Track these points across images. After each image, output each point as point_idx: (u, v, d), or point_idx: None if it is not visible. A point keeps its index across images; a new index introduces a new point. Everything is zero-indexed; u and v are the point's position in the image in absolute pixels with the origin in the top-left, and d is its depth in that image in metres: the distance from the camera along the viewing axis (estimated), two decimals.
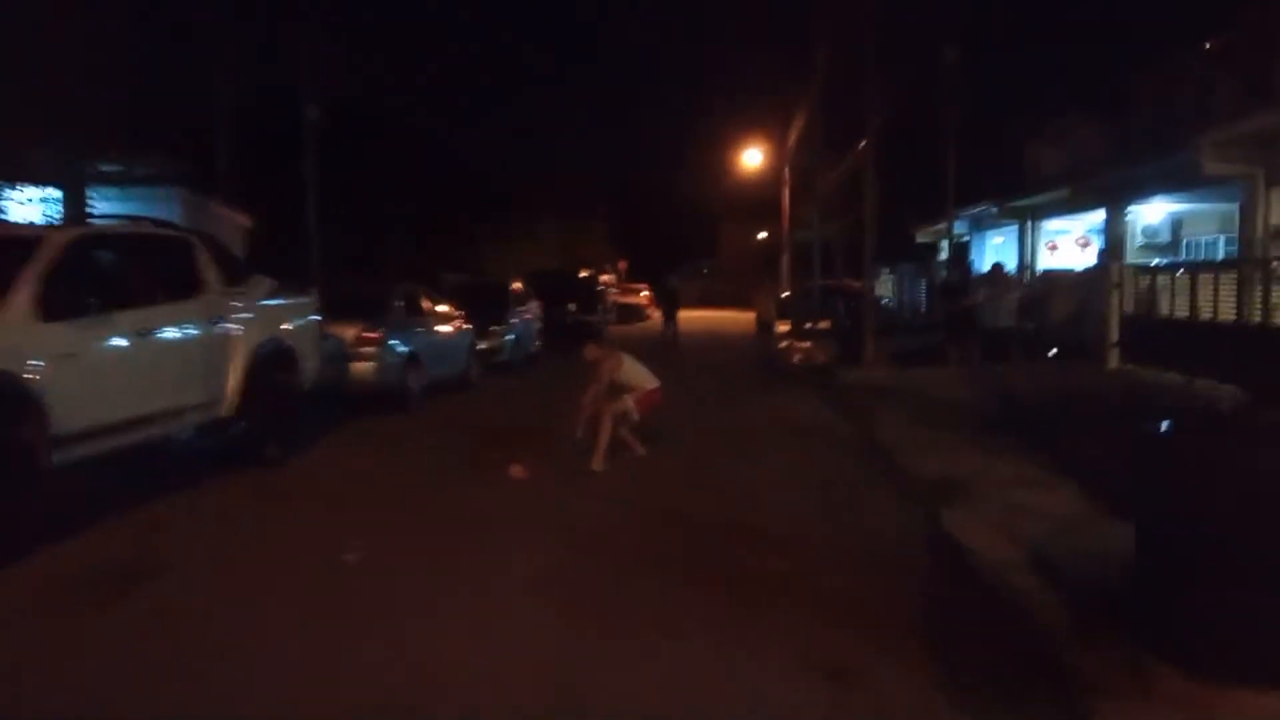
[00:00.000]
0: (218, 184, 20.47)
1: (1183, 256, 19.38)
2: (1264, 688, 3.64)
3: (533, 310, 19.61)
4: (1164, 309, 14.17)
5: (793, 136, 29.12)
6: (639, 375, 9.43)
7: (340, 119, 20.68)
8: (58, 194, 14.83)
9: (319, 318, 9.85)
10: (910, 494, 7.70)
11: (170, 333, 7.15)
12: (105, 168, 16.33)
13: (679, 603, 5.07)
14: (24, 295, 5.84)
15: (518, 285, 19.83)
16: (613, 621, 4.80)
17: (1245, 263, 12.81)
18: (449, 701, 3.91)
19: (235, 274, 8.38)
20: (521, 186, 32.01)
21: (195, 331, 7.50)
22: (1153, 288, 14.73)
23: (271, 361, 8.33)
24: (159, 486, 7.25)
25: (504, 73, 30.25)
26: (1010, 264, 23.52)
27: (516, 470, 8.23)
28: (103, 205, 14.93)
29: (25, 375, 5.64)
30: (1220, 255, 18.17)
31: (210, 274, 7.87)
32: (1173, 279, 14.10)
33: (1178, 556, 3.94)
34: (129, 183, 16.90)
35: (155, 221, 8.21)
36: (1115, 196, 18.93)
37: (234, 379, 7.85)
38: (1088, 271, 18.51)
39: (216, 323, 7.76)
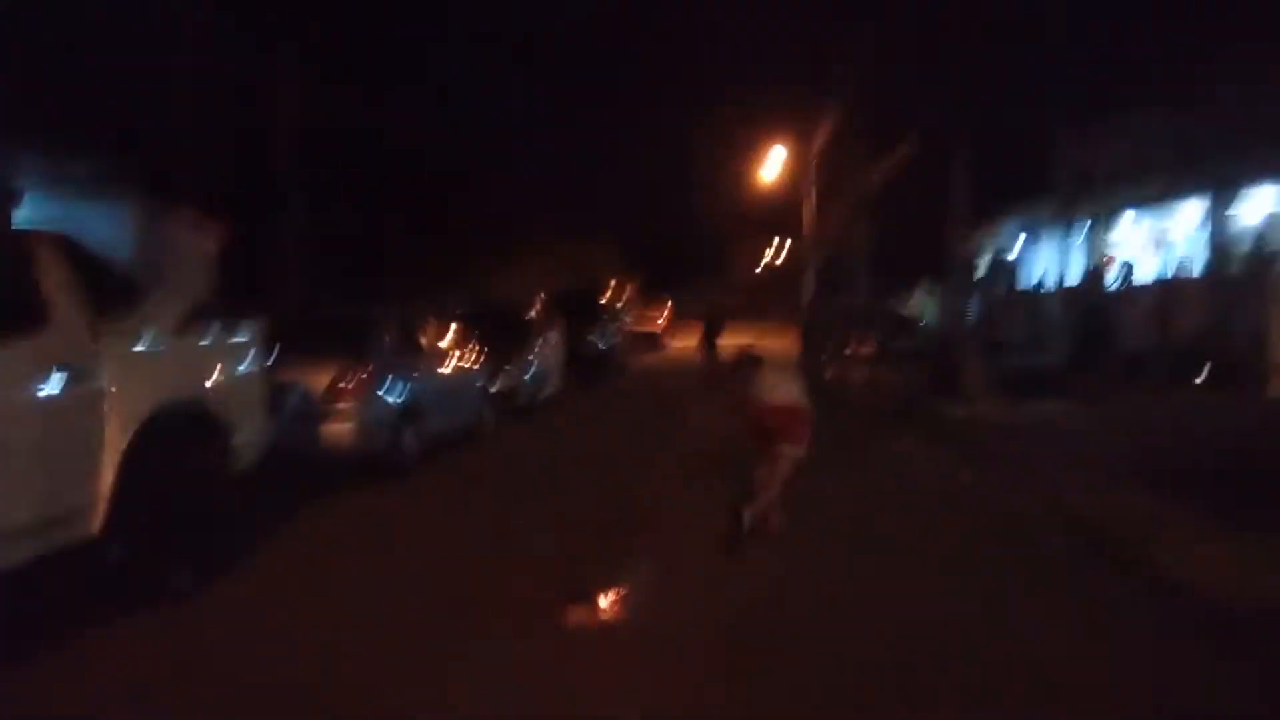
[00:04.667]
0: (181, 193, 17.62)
1: None
2: None
3: (554, 340, 16.20)
4: None
5: (820, 137, 26.05)
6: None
7: (329, 126, 17.84)
8: None
9: (263, 358, 6.65)
10: (1216, 642, 4.50)
11: None
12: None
13: None
14: None
15: (537, 310, 16.57)
16: None
17: None
18: None
19: (123, 299, 5.21)
20: (528, 198, 28.94)
21: (28, 394, 4.35)
22: None
23: (177, 437, 5.15)
24: None
25: (512, 82, 27.48)
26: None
27: (578, 613, 5.05)
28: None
29: None
30: None
31: (64, 297, 4.71)
32: None
33: None
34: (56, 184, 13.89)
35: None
36: (1224, 185, 15.95)
37: (105, 472, 4.67)
38: (1224, 278, 15.34)
39: (72, 377, 4.59)
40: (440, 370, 10.52)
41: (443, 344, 10.99)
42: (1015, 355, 18.46)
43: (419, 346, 10.24)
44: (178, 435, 5.15)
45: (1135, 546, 6.09)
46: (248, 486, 6.16)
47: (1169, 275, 17.48)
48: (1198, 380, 13.19)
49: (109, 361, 4.82)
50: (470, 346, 11.68)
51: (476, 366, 11.65)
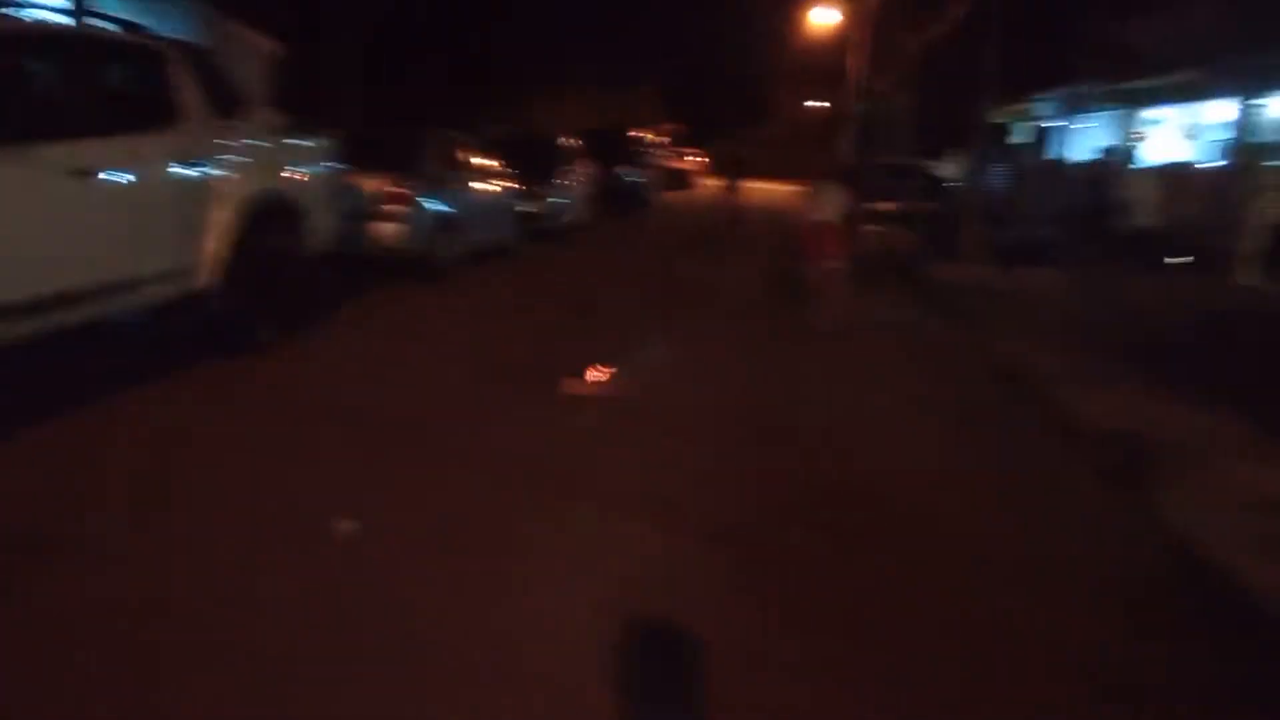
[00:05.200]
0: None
1: None
2: None
3: (585, 172, 17.37)
4: None
5: None
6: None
7: None
8: None
9: (338, 165, 7.89)
10: (1092, 461, 5.81)
11: (124, 175, 5.22)
12: None
13: (813, 642, 3.30)
14: None
15: (570, 141, 17.59)
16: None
17: None
18: None
19: (231, 103, 6.39)
20: (569, 40, 29.17)
21: (163, 175, 5.60)
22: None
23: (268, 219, 6.42)
24: (104, 381, 5.49)
25: None
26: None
27: (591, 377, 6.45)
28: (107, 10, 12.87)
29: None
30: None
31: (192, 99, 5.90)
32: None
33: None
34: None
35: (115, 21, 6.19)
36: (1254, 83, 16.38)
37: (215, 240, 5.97)
38: (1221, 169, 16.10)
39: (195, 164, 5.83)
40: (477, 189, 11.71)
41: (480, 166, 12.12)
42: (1030, 225, 19.33)
43: (458, 167, 11.41)
44: (269, 217, 6.42)
45: (1045, 388, 7.37)
46: (320, 267, 7.50)
47: (1184, 161, 18.17)
48: (1175, 261, 14.19)
49: (220, 154, 6.05)
50: (505, 171, 12.81)
51: (509, 189, 12.82)
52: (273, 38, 18.29)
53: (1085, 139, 23.91)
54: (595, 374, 6.63)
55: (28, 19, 5.49)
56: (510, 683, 2.89)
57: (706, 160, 38.73)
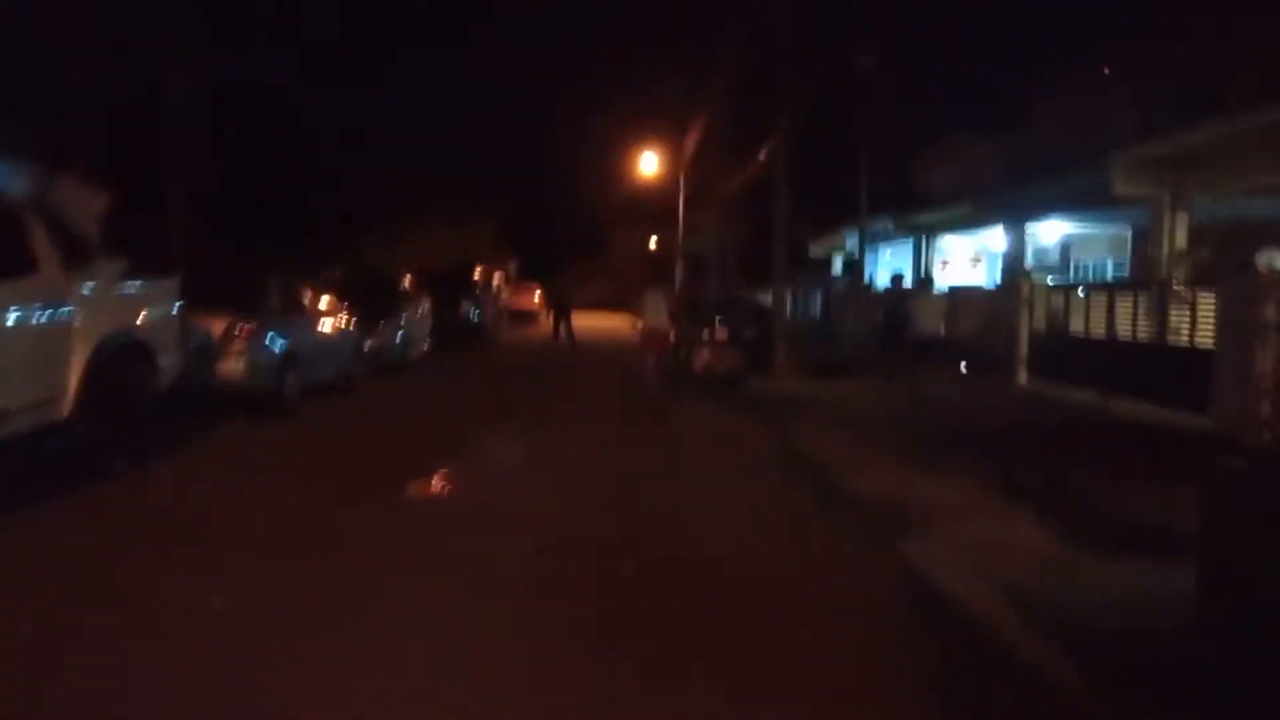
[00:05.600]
0: (69, 157, 18.57)
1: (1072, 278, 19.45)
2: None
3: (424, 309, 18.29)
4: (1076, 327, 14.01)
5: (691, 142, 28.51)
6: None
7: (209, 93, 19.01)
8: None
9: (181, 306, 8.53)
10: (856, 521, 6.93)
11: None
12: None
13: (615, 664, 4.14)
14: None
15: (408, 281, 18.51)
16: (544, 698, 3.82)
17: (1156, 284, 12.63)
18: None
19: (80, 254, 7.04)
20: (408, 181, 30.43)
21: (26, 318, 6.20)
22: (1065, 306, 14.56)
23: (120, 356, 7.04)
24: None
25: (388, 58, 28.74)
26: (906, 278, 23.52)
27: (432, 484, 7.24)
28: None
29: None
30: (1109, 278, 18.41)
31: (47, 252, 6.56)
32: (1086, 298, 13.95)
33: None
34: None
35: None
36: (1016, 215, 18.86)
37: (73, 375, 6.55)
38: (995, 289, 18.34)
39: (53, 309, 6.45)
40: (319, 328, 12.41)
41: (322, 306, 12.85)
42: (837, 342, 21.27)
43: (299, 305, 12.13)
44: (120, 354, 7.03)
45: (827, 471, 8.53)
46: (168, 402, 8.06)
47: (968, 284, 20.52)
48: (958, 367, 16.04)
49: (74, 299, 6.68)
50: (346, 308, 13.57)
51: (351, 327, 13.56)
52: (102, 190, 18.70)
53: (890, 264, 26.47)
54: (437, 481, 7.41)
55: None
56: None
57: (541, 295, 40.21)
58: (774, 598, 5.16)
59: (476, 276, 27.19)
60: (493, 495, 7.37)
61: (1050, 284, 15.58)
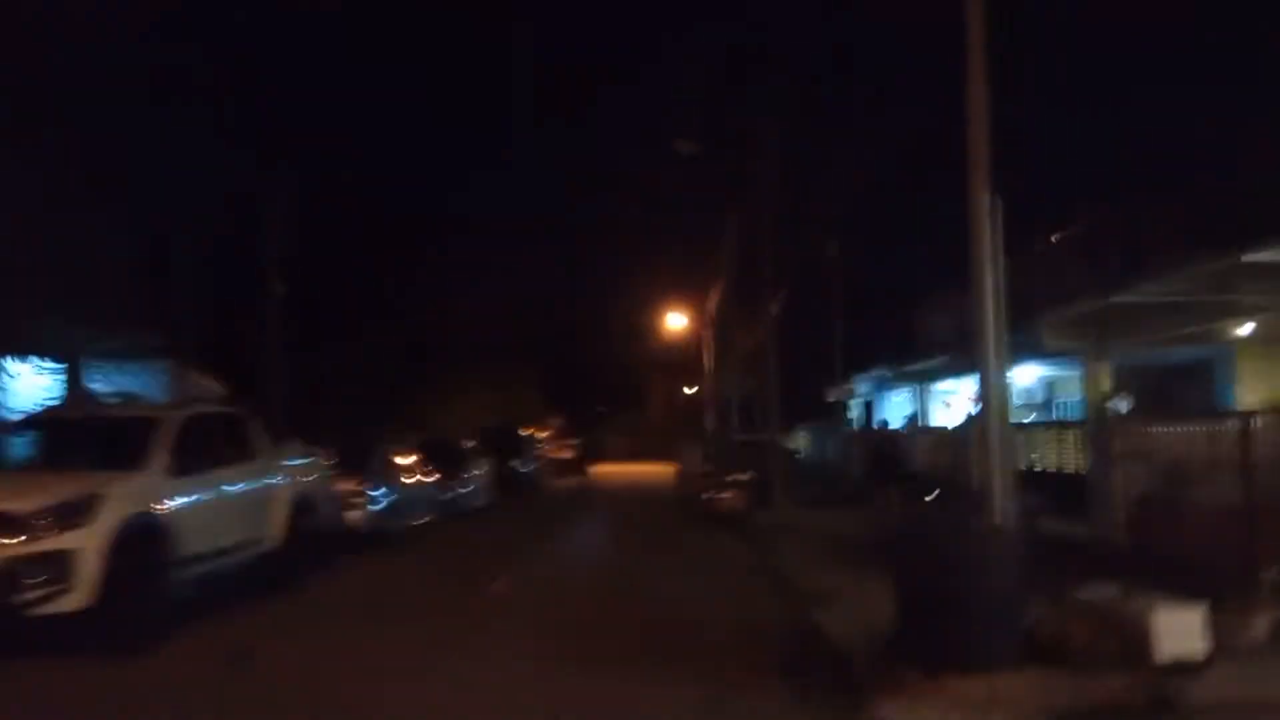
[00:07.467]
0: (193, 355, 22.29)
1: (1053, 415, 22.33)
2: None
3: (486, 465, 22.25)
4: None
5: (713, 300, 32.49)
6: None
7: (293, 282, 22.49)
8: (51, 365, 16.05)
9: (328, 472, 12.32)
10: (791, 599, 10.32)
11: (241, 486, 9.62)
12: (106, 343, 17.92)
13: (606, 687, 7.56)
14: (161, 458, 8.33)
15: (471, 442, 22.46)
16: None
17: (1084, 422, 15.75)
18: None
19: (271, 440, 10.89)
20: (454, 343, 34.45)
21: (255, 485, 9.97)
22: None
23: (301, 506, 10.77)
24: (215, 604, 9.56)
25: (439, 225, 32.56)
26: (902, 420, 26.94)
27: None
28: (100, 378, 16.55)
29: (160, 512, 8.07)
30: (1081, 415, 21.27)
31: (261, 441, 10.39)
32: (1025, 434, 17.23)
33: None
34: (125, 357, 18.51)
35: (222, 404, 10.73)
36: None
37: (279, 520, 10.28)
38: (958, 428, 21.68)
39: (265, 478, 10.23)
40: (408, 480, 16.20)
41: (409, 463, 16.68)
42: (850, 478, 24.60)
43: (397, 466, 15.96)
44: (301, 505, 10.74)
45: (784, 571, 11.89)
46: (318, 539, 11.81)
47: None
48: (928, 499, 19.26)
49: (275, 472, 10.47)
50: (426, 466, 17.41)
51: (431, 480, 17.37)
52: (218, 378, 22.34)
53: (899, 406, 29.77)
54: (511, 579, 11.05)
55: (198, 406, 10.00)
56: None
57: (582, 445, 43.86)
58: (719, 628, 8.64)
59: (524, 434, 31.14)
60: (554, 586, 10.93)
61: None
